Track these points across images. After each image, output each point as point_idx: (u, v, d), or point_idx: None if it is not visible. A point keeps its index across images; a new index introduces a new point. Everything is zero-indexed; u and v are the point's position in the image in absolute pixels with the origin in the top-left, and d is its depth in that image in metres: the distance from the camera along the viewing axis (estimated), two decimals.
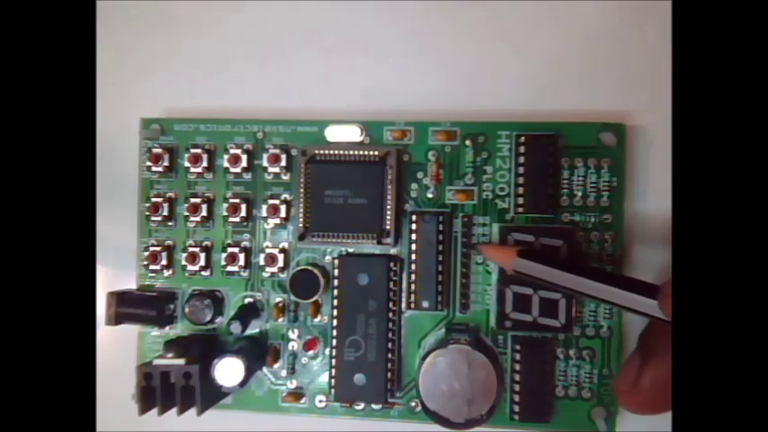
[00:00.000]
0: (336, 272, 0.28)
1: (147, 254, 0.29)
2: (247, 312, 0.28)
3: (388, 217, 0.27)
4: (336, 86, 0.30)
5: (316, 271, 0.28)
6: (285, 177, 0.29)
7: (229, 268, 0.29)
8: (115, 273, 0.30)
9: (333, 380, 0.27)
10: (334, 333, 0.28)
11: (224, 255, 0.29)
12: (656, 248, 0.28)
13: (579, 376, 0.27)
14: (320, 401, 0.29)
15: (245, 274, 0.29)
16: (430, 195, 0.28)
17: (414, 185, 0.28)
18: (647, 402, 0.23)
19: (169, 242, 0.30)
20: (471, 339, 0.26)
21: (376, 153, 0.28)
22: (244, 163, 0.29)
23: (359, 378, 0.27)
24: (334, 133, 0.29)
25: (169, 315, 0.29)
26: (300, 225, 0.28)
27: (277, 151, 0.29)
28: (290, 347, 0.29)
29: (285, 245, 0.29)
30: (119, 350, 0.30)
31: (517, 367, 0.27)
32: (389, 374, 0.27)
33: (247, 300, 0.29)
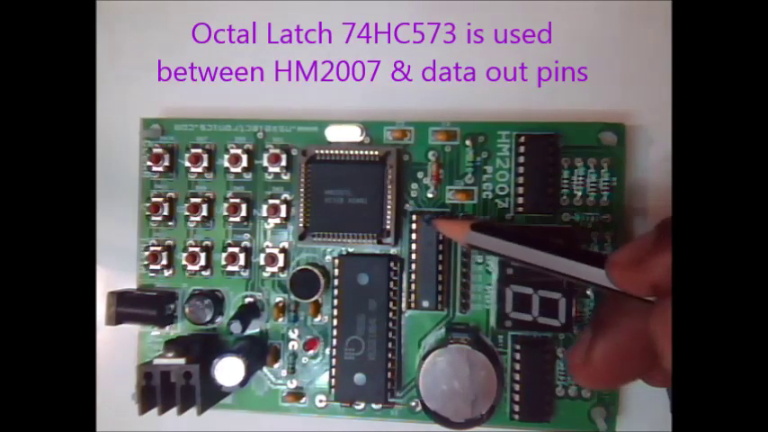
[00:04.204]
0: (336, 272, 0.28)
1: (147, 254, 0.29)
2: (247, 312, 0.28)
3: (388, 217, 0.27)
4: (336, 86, 0.30)
5: (316, 271, 0.28)
6: (285, 177, 0.29)
7: (229, 268, 0.29)
8: (115, 273, 0.30)
9: (333, 380, 0.27)
10: (335, 333, 0.28)
11: (224, 255, 0.29)
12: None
13: None
14: (320, 401, 0.29)
15: (245, 273, 0.29)
16: (430, 195, 0.28)
17: (414, 185, 0.28)
18: (598, 376, 0.23)
19: (169, 242, 0.30)
20: (471, 339, 0.26)
21: (376, 153, 0.28)
22: (244, 163, 0.29)
23: (359, 378, 0.27)
24: (335, 133, 0.29)
25: (169, 315, 0.29)
26: (301, 225, 0.28)
27: (277, 151, 0.29)
28: (290, 347, 0.29)
29: (285, 245, 0.29)
30: (119, 350, 0.30)
31: (517, 367, 0.27)
32: (389, 374, 0.27)
33: (247, 300, 0.29)
